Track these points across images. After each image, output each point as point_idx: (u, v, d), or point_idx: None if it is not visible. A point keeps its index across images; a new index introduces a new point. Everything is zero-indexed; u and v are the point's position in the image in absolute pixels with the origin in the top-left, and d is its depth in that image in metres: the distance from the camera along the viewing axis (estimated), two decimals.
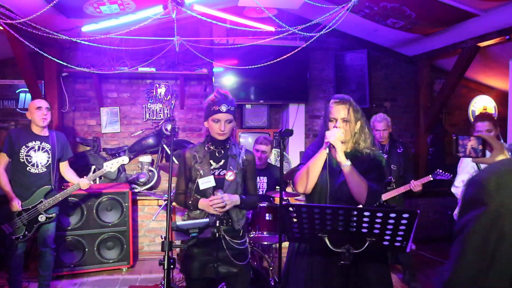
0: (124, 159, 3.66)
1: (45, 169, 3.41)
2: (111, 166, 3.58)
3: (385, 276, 2.05)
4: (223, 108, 2.22)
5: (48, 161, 3.41)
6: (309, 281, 2.01)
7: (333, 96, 2.13)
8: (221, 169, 2.30)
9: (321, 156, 2.04)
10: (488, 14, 3.73)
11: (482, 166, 2.64)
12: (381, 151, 4.11)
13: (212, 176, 2.27)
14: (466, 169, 3.17)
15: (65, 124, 5.11)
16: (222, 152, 2.32)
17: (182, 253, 2.39)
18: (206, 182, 2.26)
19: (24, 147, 3.33)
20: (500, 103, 5.77)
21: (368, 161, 2.08)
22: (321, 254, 1.99)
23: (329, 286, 1.94)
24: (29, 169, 3.35)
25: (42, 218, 3.35)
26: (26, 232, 3.32)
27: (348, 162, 1.98)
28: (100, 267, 4.22)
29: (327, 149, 2.00)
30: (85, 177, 3.57)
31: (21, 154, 3.32)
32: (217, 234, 2.25)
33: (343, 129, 2.03)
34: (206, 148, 2.33)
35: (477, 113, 6.03)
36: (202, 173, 2.27)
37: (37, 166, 3.38)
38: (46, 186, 3.39)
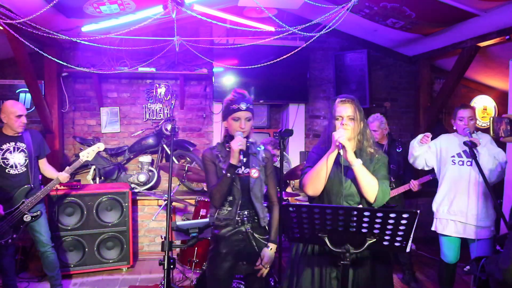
0: (99, 146, 3.57)
1: (25, 169, 3.38)
2: (87, 155, 3.51)
3: (389, 277, 2.07)
4: (243, 106, 2.25)
5: (26, 160, 3.38)
6: (316, 283, 2.02)
7: (339, 96, 2.15)
8: (244, 167, 2.32)
9: (331, 158, 2.03)
10: (488, 14, 3.73)
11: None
12: None
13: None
14: (444, 145, 3.27)
15: (65, 124, 5.11)
16: (243, 149, 2.33)
17: (208, 253, 2.38)
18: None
19: None
20: (500, 103, 5.77)
21: (374, 160, 2.10)
22: (325, 255, 1.99)
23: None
24: (8, 171, 3.32)
25: (27, 218, 3.33)
26: (14, 235, 3.30)
27: (359, 161, 1.98)
28: (100, 267, 4.22)
29: (336, 150, 1.99)
30: (64, 170, 3.50)
31: None
32: (246, 231, 2.28)
33: (350, 127, 2.05)
34: (227, 148, 2.34)
35: (477, 113, 6.03)
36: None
37: (16, 167, 3.35)
38: (26, 186, 3.36)
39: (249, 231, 2.30)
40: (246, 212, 2.32)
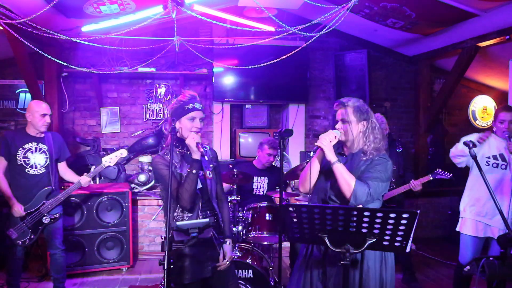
0: (122, 152, 3.54)
1: (44, 170, 3.39)
2: (109, 160, 3.48)
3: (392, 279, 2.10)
4: (197, 105, 2.24)
5: (46, 161, 3.39)
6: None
7: (335, 100, 2.27)
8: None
9: (315, 159, 2.21)
10: (488, 14, 3.73)
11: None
12: None
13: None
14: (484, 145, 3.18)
15: (65, 124, 5.11)
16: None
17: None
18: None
19: (20, 149, 3.30)
20: (500, 103, 5.76)
21: (369, 161, 2.11)
22: (333, 258, 2.01)
23: None
24: (27, 171, 3.32)
25: (46, 219, 3.34)
26: (32, 236, 3.31)
27: (335, 158, 2.08)
28: (100, 267, 4.22)
29: (318, 151, 2.16)
30: (85, 174, 3.51)
31: (18, 157, 3.30)
32: (210, 235, 2.26)
33: (341, 130, 2.16)
34: (178, 152, 2.28)
35: (477, 113, 6.04)
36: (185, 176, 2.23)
37: (36, 168, 3.35)
38: (47, 188, 3.37)
39: (213, 233, 2.27)
40: (208, 213, 2.29)
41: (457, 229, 3.24)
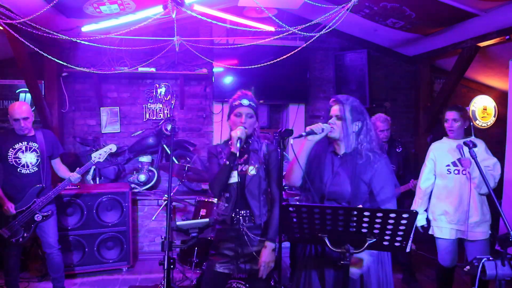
0: (111, 147, 3.56)
1: (36, 168, 3.39)
2: (99, 156, 3.51)
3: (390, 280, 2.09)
4: (244, 102, 2.30)
5: (38, 160, 3.39)
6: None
7: (332, 96, 2.22)
8: (243, 164, 2.33)
9: (303, 150, 2.16)
10: (488, 14, 3.73)
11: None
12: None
13: (236, 172, 2.30)
14: (437, 155, 3.24)
15: (65, 124, 5.11)
16: (245, 147, 2.35)
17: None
18: (231, 177, 2.31)
19: (11, 149, 3.31)
20: (500, 103, 5.76)
21: (369, 165, 2.07)
22: (330, 258, 2.00)
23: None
24: (19, 170, 3.33)
25: (38, 217, 3.35)
26: (25, 234, 3.32)
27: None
28: (100, 267, 4.22)
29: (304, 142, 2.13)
30: (76, 170, 3.51)
31: (9, 157, 3.31)
32: (241, 230, 2.27)
33: (334, 126, 2.11)
34: (230, 144, 2.34)
35: (477, 113, 6.02)
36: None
37: (28, 167, 3.36)
38: (38, 185, 3.37)
39: (244, 230, 2.29)
40: (242, 211, 2.31)
41: (430, 232, 3.27)
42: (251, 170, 2.31)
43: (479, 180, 2.91)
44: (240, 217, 2.30)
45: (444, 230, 3.15)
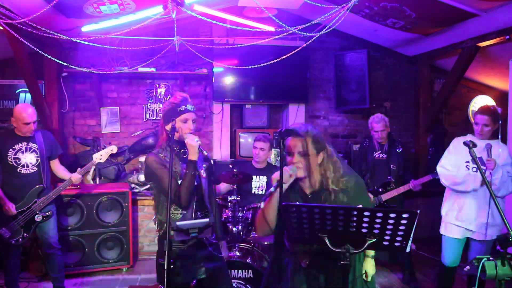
0: (112, 148, 3.56)
1: (36, 169, 3.40)
2: (100, 157, 3.51)
3: None
4: (190, 107, 2.31)
5: (37, 160, 3.40)
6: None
7: (284, 128, 1.97)
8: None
9: (271, 202, 1.93)
10: (488, 14, 3.73)
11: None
12: (380, 151, 4.12)
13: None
14: (459, 149, 3.10)
15: (65, 124, 5.10)
16: (186, 151, 2.29)
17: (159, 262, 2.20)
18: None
19: (10, 150, 3.32)
20: (500, 103, 5.76)
21: (348, 190, 1.93)
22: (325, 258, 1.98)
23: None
24: (19, 170, 3.34)
25: (38, 218, 3.36)
26: (25, 234, 3.33)
27: None
28: (100, 267, 4.22)
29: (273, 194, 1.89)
30: (77, 171, 3.52)
31: (9, 158, 3.32)
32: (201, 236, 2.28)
33: (299, 165, 1.90)
34: (175, 149, 2.31)
35: None
36: (179, 173, 2.27)
37: (28, 167, 3.37)
38: (38, 186, 3.38)
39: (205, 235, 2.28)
40: (201, 212, 2.32)
41: (440, 231, 3.27)
42: (203, 173, 2.38)
43: (500, 182, 2.87)
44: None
45: (453, 229, 3.14)
